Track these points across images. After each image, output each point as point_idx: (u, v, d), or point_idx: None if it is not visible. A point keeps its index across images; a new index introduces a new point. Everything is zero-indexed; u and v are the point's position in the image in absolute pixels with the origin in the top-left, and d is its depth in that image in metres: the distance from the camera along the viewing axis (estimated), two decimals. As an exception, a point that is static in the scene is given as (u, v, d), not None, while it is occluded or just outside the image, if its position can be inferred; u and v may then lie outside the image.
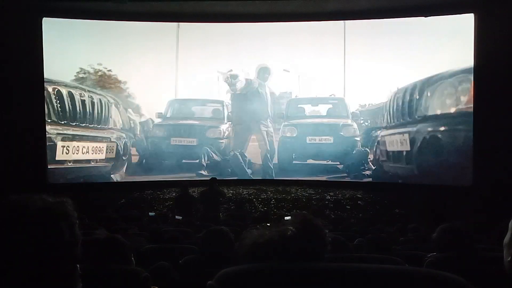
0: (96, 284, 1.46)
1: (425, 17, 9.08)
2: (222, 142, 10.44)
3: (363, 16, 9.57)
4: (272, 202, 9.06)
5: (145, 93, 10.29)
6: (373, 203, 9.01)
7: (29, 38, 8.76)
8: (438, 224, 2.45)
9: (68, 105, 9.45)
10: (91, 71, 9.94)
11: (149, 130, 10.32)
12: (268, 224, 0.99)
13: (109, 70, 10.06)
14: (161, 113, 10.35)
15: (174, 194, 9.37)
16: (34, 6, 8.79)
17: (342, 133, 10.06)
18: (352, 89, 10.19)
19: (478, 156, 8.45)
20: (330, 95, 10.48)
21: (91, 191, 8.92)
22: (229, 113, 10.60)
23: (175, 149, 10.20)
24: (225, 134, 10.50)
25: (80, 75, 9.87)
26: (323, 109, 10.65)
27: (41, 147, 9.03)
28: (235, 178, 10.07)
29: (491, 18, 8.28)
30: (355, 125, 10.13)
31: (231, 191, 9.42)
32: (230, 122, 10.54)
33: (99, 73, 10.05)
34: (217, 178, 7.88)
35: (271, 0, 9.01)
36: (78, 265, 0.91)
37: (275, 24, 10.03)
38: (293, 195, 9.42)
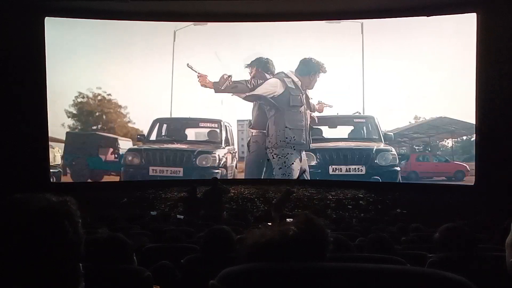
0: (98, 283, 1.46)
1: (427, 16, 9.07)
2: (218, 172, 8.67)
3: (365, 15, 9.55)
4: (273, 201, 9.05)
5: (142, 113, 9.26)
6: (375, 202, 8.99)
7: (31, 37, 8.77)
8: (440, 224, 2.44)
9: None
10: (90, 95, 9.48)
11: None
12: (270, 224, 0.99)
13: (109, 94, 9.57)
14: (143, 135, 8.75)
15: (176, 193, 9.38)
16: (36, 6, 8.80)
17: (377, 161, 8.31)
18: (370, 103, 9.30)
19: (480, 157, 8.44)
20: (355, 113, 8.91)
21: (93, 190, 8.94)
22: (228, 136, 8.89)
23: (153, 182, 8.41)
24: (222, 162, 8.71)
25: (79, 100, 9.43)
26: (344, 129, 8.89)
27: (43, 147, 9.05)
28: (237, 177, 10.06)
29: (494, 18, 8.27)
30: (393, 150, 8.24)
31: (233, 191, 9.41)
32: (229, 147, 8.96)
33: (99, 98, 9.49)
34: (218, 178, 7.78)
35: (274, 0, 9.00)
36: (80, 264, 0.92)
37: (277, 23, 10.00)
38: (294, 194, 9.39)
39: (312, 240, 0.90)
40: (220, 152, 8.78)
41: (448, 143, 9.09)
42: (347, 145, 8.48)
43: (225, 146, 8.91)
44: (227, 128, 9.05)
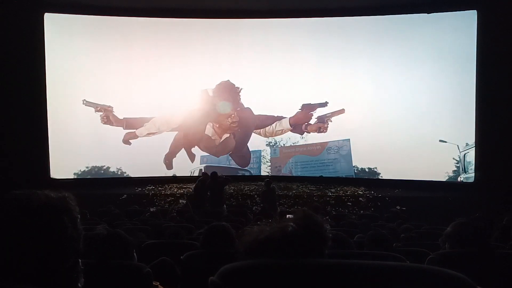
0: (98, 279, 1.46)
1: (427, 13, 9.05)
2: None
3: (364, 12, 9.51)
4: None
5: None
6: (374, 199, 8.99)
7: (31, 33, 8.75)
8: (439, 221, 2.43)
9: None
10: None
11: None
12: (270, 220, 0.99)
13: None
14: None
15: (175, 189, 9.39)
16: (36, 2, 8.78)
17: None
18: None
19: (481, 154, 8.46)
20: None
21: (93, 186, 8.95)
22: None
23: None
24: None
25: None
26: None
27: (43, 143, 9.04)
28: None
29: (494, 15, 8.26)
30: None
31: (232, 187, 9.41)
32: None
33: None
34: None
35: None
36: (80, 260, 0.92)
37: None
38: (294, 191, 9.40)
39: (311, 236, 0.90)
40: None
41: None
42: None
43: None
44: None
